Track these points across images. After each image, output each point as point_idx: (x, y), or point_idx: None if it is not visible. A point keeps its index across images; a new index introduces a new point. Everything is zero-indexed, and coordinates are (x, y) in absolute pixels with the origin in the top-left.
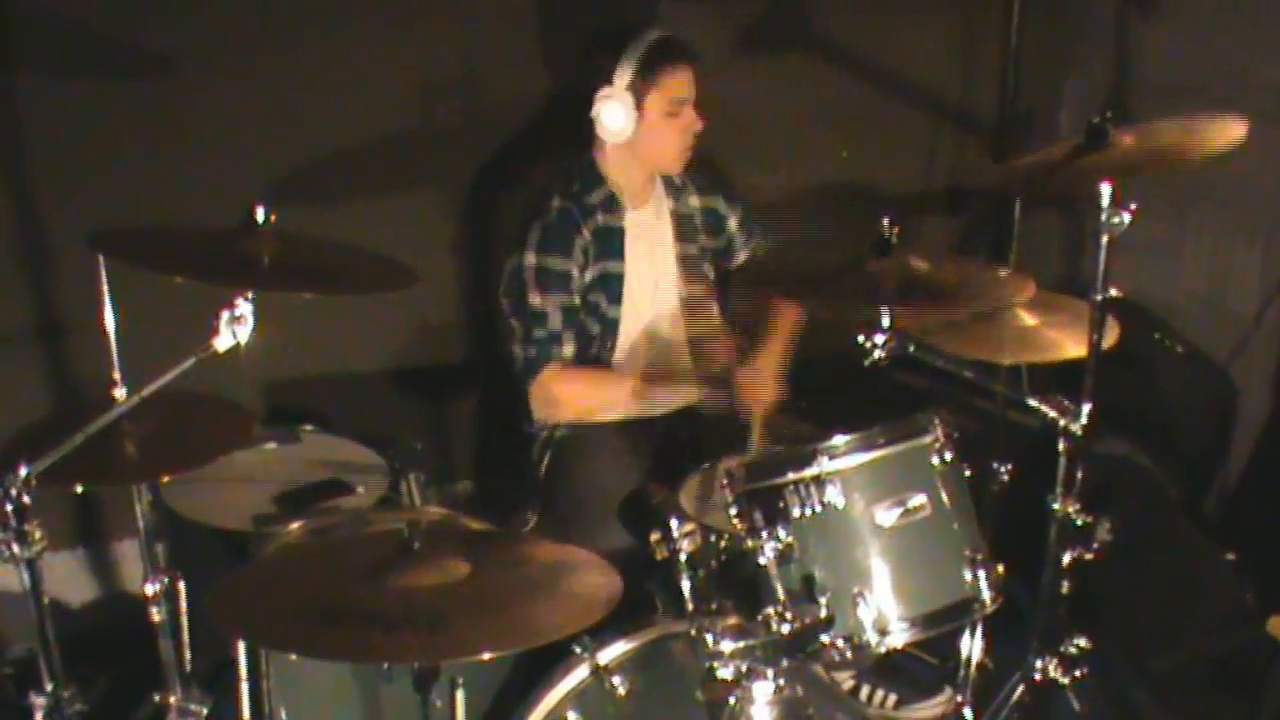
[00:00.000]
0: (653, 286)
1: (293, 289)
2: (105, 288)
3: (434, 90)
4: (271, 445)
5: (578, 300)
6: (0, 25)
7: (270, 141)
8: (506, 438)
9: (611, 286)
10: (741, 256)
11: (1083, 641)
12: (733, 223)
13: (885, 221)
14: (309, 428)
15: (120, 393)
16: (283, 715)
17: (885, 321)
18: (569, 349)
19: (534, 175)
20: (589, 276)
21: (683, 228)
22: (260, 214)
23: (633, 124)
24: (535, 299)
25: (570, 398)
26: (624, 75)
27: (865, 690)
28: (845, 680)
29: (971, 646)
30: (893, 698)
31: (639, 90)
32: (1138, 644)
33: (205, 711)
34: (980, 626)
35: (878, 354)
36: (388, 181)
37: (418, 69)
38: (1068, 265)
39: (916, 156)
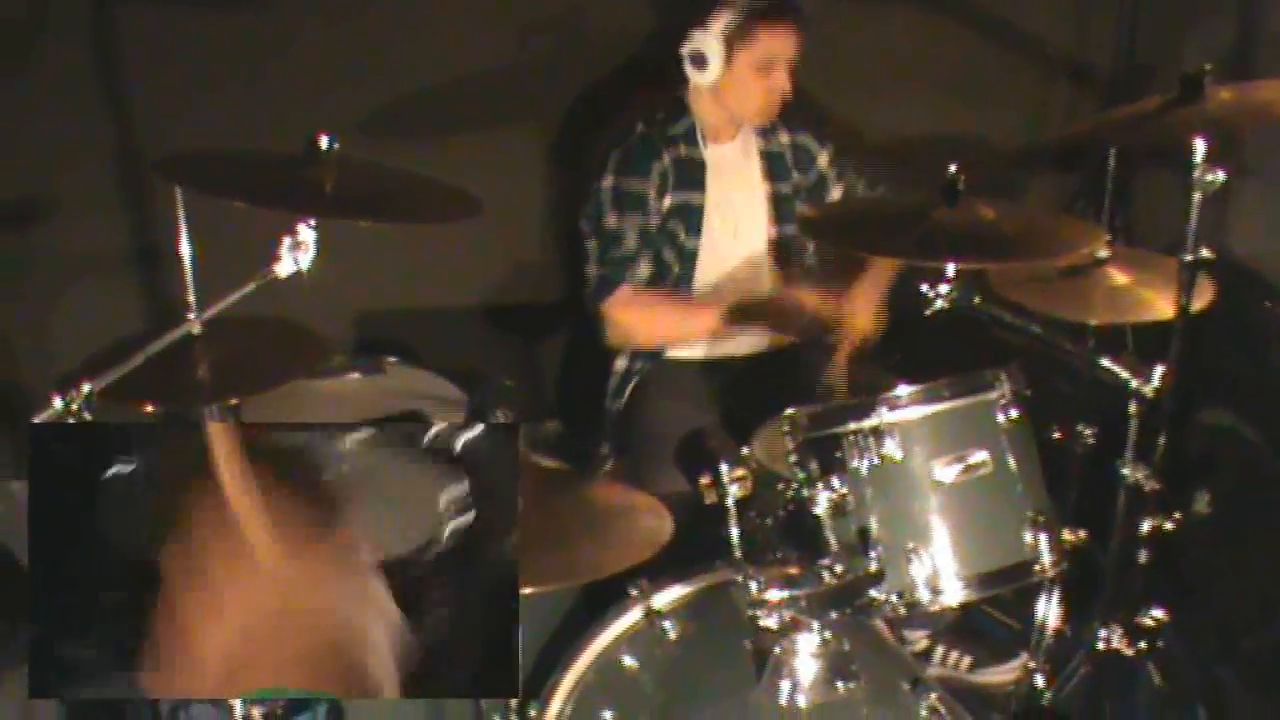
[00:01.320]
0: (734, 222)
1: (352, 217)
2: (181, 214)
3: (531, 25)
4: (355, 376)
5: (655, 224)
6: None
7: (366, 73)
8: (591, 376)
9: (691, 218)
10: (835, 193)
11: (1159, 613)
12: (823, 159)
13: (952, 169)
14: (393, 359)
15: (193, 317)
16: None
17: (950, 271)
18: (644, 271)
19: (629, 113)
20: (667, 203)
21: (773, 167)
22: (324, 142)
23: (718, 72)
24: (612, 220)
25: (643, 323)
26: (721, 22)
27: (940, 651)
28: (920, 640)
29: (1047, 611)
30: (967, 660)
31: (732, 41)
32: (1229, 620)
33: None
34: (1057, 591)
35: (939, 304)
36: (482, 117)
37: (516, 3)
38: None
39: (1027, 111)
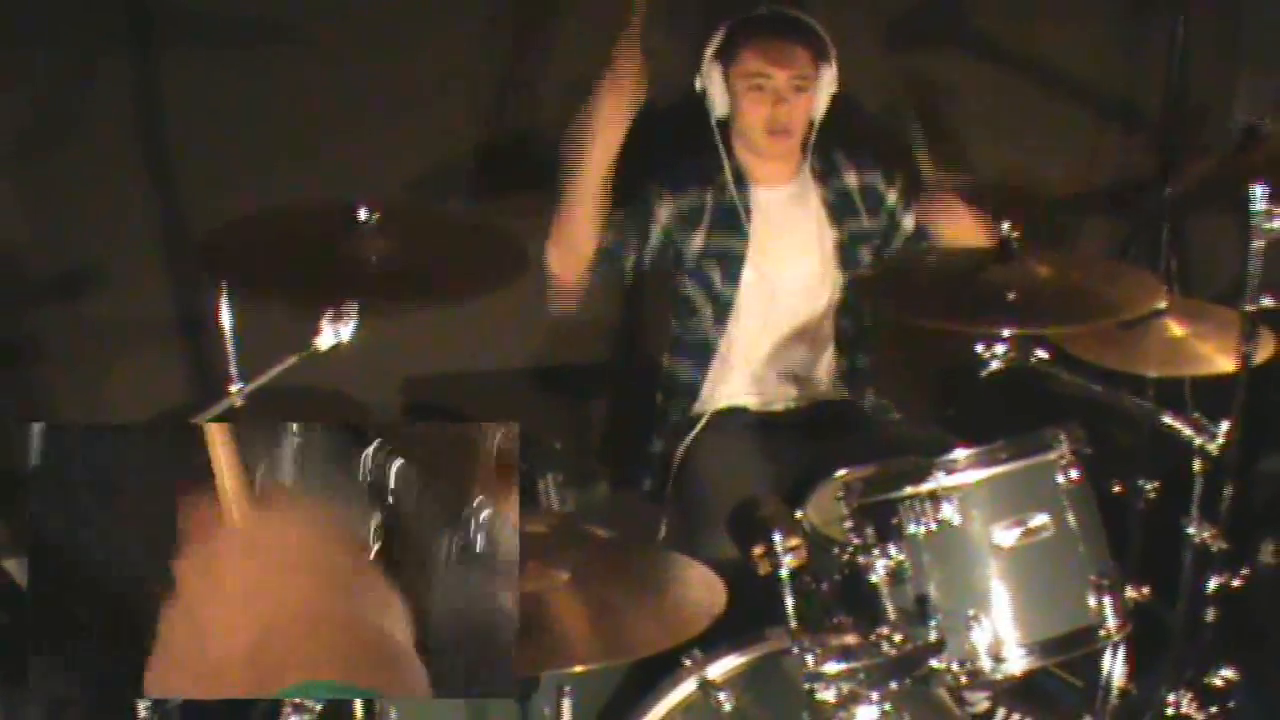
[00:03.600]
0: (776, 272)
1: (400, 300)
2: (222, 284)
3: (577, 85)
4: None
5: (653, 234)
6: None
7: (411, 131)
8: (644, 440)
9: (729, 263)
10: (908, 223)
11: (1229, 673)
12: (892, 197)
13: (1005, 225)
14: None
15: (235, 389)
16: (392, 715)
17: (1006, 331)
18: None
19: (679, 170)
20: (699, 242)
21: (838, 212)
22: (363, 214)
23: (725, 104)
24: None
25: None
26: (713, 46)
27: (1001, 713)
28: (980, 702)
29: (1112, 671)
30: None
31: (724, 65)
32: None
33: (319, 707)
34: (1123, 650)
35: (995, 364)
36: (524, 176)
37: (560, 61)
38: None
39: (1077, 158)
